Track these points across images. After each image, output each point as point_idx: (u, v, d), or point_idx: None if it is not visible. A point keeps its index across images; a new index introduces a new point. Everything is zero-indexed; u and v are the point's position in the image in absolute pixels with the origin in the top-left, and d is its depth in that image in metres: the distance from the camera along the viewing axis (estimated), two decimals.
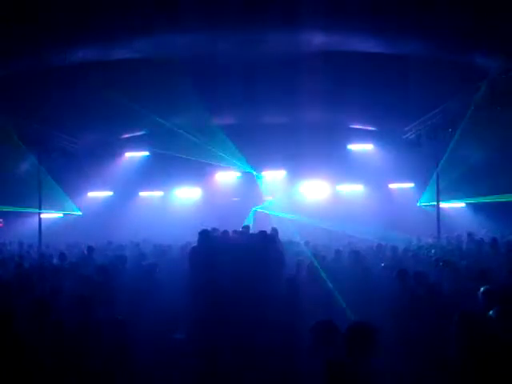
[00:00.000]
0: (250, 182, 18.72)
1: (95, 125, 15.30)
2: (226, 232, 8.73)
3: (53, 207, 17.17)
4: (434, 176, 14.55)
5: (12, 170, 15.37)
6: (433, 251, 10.23)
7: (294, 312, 6.00)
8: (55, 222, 17.62)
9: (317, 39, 10.27)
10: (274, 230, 8.86)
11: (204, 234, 7.76)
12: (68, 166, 16.25)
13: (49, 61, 10.54)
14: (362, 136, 18.41)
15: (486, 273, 6.52)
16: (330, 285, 6.79)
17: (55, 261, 10.00)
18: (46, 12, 8.10)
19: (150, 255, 9.97)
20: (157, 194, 19.27)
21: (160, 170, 18.00)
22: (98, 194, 19.11)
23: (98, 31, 9.22)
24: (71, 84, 11.43)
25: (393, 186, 18.67)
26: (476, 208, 16.28)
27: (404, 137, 16.27)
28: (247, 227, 9.56)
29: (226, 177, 19.12)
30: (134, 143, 18.59)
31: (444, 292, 6.28)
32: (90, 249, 10.01)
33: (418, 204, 17.56)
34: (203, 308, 6.81)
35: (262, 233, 7.85)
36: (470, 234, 11.98)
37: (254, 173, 18.61)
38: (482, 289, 5.21)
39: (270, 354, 5.57)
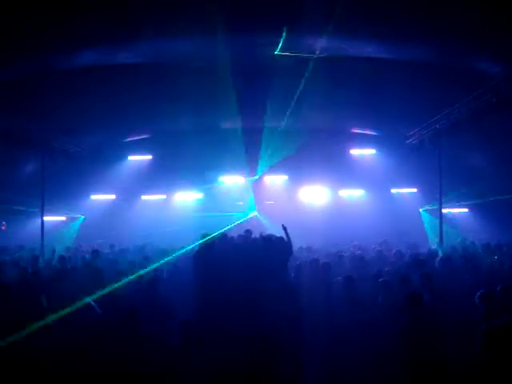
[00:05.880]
0: (252, 187, 18.69)
1: (99, 128, 15.33)
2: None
3: (56, 210, 17.19)
4: (437, 181, 14.49)
5: (15, 172, 15.41)
6: None
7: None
8: (58, 224, 17.67)
9: (319, 43, 10.28)
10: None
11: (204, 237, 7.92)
12: (71, 169, 16.27)
13: (53, 64, 10.58)
14: (365, 141, 18.39)
15: None
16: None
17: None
18: (50, 16, 8.14)
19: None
20: (159, 197, 19.26)
21: (163, 173, 17.99)
22: (100, 197, 19.11)
23: (101, 35, 9.25)
24: (75, 87, 11.47)
25: (395, 191, 18.61)
26: (479, 213, 16.23)
27: (407, 142, 16.24)
28: (249, 231, 9.61)
29: (229, 181, 19.11)
30: (137, 146, 18.62)
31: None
32: (95, 252, 10.00)
33: (421, 209, 17.53)
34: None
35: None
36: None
37: (257, 177, 18.60)
38: (479, 293, 5.21)
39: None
